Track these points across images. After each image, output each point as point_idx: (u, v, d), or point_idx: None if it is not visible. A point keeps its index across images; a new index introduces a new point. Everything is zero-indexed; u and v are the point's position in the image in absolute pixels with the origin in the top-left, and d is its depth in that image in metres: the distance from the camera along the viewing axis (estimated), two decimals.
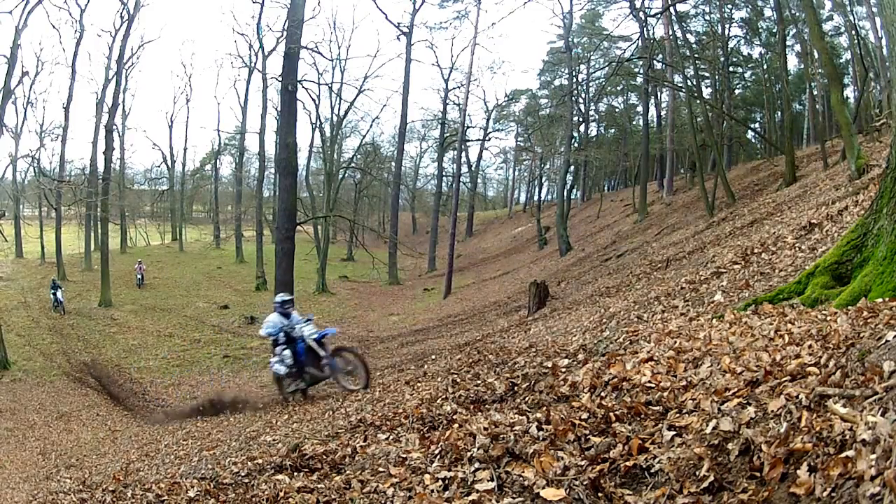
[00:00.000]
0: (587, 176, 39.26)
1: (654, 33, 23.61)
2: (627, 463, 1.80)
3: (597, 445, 1.97)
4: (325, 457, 3.05)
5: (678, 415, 2.06)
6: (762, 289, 4.95)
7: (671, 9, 19.88)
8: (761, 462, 1.53)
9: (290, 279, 11.88)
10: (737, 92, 29.74)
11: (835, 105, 11.09)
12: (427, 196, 42.83)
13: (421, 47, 65.89)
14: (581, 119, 30.63)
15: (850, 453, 1.35)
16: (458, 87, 32.03)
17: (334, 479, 2.45)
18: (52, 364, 15.92)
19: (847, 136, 10.41)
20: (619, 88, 34.57)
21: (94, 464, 8.41)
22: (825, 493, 1.32)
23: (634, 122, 35.84)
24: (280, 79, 13.66)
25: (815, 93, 23.82)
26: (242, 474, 3.13)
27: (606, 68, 28.37)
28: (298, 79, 14.14)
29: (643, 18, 20.78)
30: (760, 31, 27.25)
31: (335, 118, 31.44)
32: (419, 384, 5.80)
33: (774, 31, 22.17)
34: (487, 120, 36.15)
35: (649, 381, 2.51)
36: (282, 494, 2.41)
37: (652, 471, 1.74)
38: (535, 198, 38.77)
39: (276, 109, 25.76)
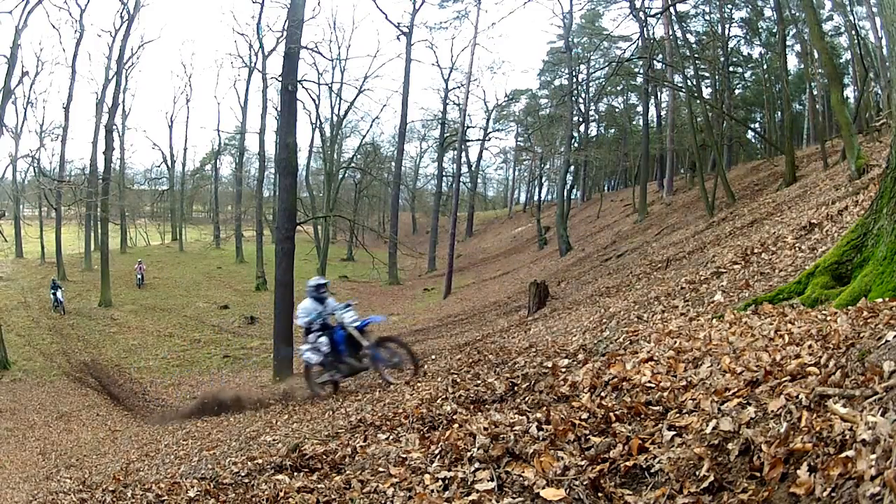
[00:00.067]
0: (587, 176, 39.27)
1: (654, 33, 23.65)
2: (627, 463, 1.80)
3: (597, 445, 1.97)
4: (325, 457, 3.05)
5: (678, 415, 2.06)
6: (762, 289, 4.95)
7: (671, 9, 19.88)
8: (761, 462, 1.53)
9: (290, 279, 11.88)
10: (737, 92, 29.75)
11: (835, 105, 11.09)
12: (427, 196, 42.84)
13: (421, 47, 65.89)
14: (581, 119, 30.64)
15: (850, 453, 1.35)
16: (458, 87, 32.07)
17: (334, 479, 2.45)
18: (52, 364, 15.93)
19: (847, 136, 10.41)
20: (619, 88, 34.56)
21: (94, 464, 8.41)
22: (825, 493, 1.32)
23: (634, 122, 35.86)
24: (280, 79, 13.66)
25: (815, 93, 23.83)
26: (242, 474, 3.13)
27: (606, 68, 28.40)
28: (298, 79, 14.16)
29: (643, 18, 20.79)
30: (760, 31, 27.26)
31: (335, 118, 31.49)
32: (419, 384, 5.80)
33: (774, 31, 22.17)
34: (487, 120, 36.18)
35: (649, 381, 2.51)
36: (282, 494, 2.41)
37: (652, 471, 1.74)
38: (535, 198, 38.81)
39: (276, 109, 25.78)
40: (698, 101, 20.22)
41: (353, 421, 4.42)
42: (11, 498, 6.75)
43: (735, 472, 1.59)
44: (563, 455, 1.96)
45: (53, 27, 39.37)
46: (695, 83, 22.37)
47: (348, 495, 2.19)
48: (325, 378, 7.58)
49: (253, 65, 29.54)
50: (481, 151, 38.55)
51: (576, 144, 29.80)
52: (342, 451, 3.06)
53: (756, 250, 7.12)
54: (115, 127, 26.96)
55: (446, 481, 2.03)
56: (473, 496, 1.86)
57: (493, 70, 53.11)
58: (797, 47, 23.57)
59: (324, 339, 7.31)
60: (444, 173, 32.71)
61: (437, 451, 2.33)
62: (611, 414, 2.22)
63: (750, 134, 28.69)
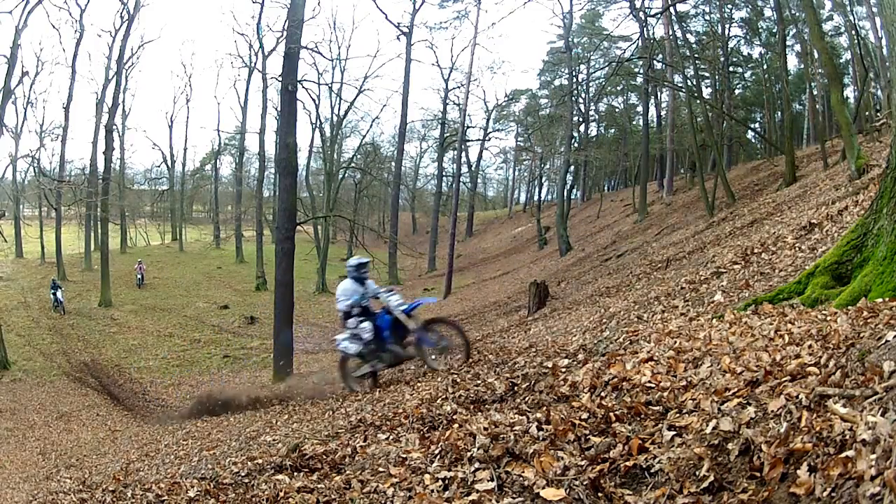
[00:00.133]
0: (587, 176, 39.27)
1: (654, 33, 23.65)
2: (627, 463, 1.80)
3: (597, 445, 1.97)
4: (325, 457, 3.05)
5: (678, 415, 2.06)
6: (762, 289, 4.95)
7: (671, 9, 19.88)
8: (761, 462, 1.53)
9: (290, 279, 11.88)
10: (737, 92, 29.75)
11: (835, 105, 11.09)
12: (427, 196, 42.84)
13: (421, 47, 65.84)
14: (581, 119, 30.64)
15: (850, 453, 1.35)
16: (458, 87, 32.07)
17: (334, 479, 2.45)
18: (52, 364, 15.94)
19: (847, 136, 10.41)
20: (619, 88, 34.57)
21: (94, 464, 8.41)
22: (825, 493, 1.32)
23: (634, 122, 35.86)
24: (280, 79, 13.66)
25: (815, 93, 23.83)
26: (242, 474, 3.13)
27: (606, 68, 28.40)
28: (298, 79, 14.15)
29: (643, 18, 20.79)
30: (760, 31, 27.26)
31: (335, 118, 31.47)
32: (419, 384, 5.80)
33: (774, 31, 22.18)
34: (487, 120, 36.18)
35: (649, 381, 2.51)
36: (282, 494, 2.41)
37: (652, 471, 1.74)
38: (535, 198, 38.83)
39: (276, 109, 25.79)
40: (698, 101, 20.23)
41: (353, 421, 4.42)
42: (11, 498, 6.75)
43: (735, 472, 1.59)
44: (563, 455, 1.96)
45: (53, 27, 39.40)
46: (695, 83, 22.38)
47: (348, 495, 2.19)
48: (363, 370, 7.01)
49: (253, 65, 29.60)
50: (481, 151, 38.60)
51: (576, 144, 29.81)
52: (342, 451, 3.06)
53: (756, 250, 7.12)
54: (115, 127, 26.99)
55: (446, 481, 2.03)
56: (473, 496, 1.86)
57: (493, 70, 53.18)
58: (797, 47, 23.57)
59: (366, 325, 6.69)
60: (444, 173, 32.73)
61: (437, 451, 2.33)
62: (611, 414, 2.22)
63: (750, 134, 28.71)
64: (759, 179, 19.97)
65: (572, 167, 31.35)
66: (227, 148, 38.37)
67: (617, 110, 37.83)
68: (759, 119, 31.63)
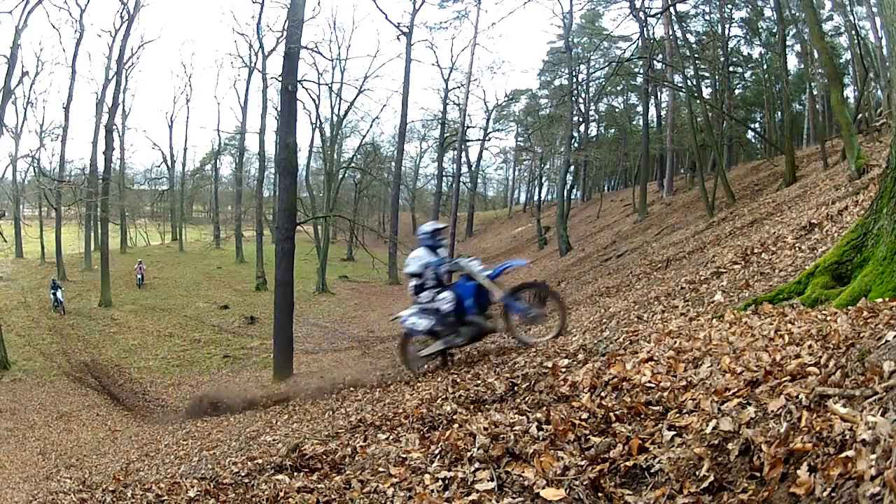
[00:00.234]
0: (587, 176, 39.29)
1: (654, 33, 23.66)
2: (627, 463, 1.80)
3: (597, 445, 1.97)
4: (325, 457, 3.05)
5: (678, 415, 2.06)
6: (762, 289, 4.95)
7: (671, 9, 19.88)
8: (761, 462, 1.53)
9: (290, 279, 11.89)
10: (737, 92, 29.77)
11: (835, 105, 11.09)
12: (427, 196, 42.87)
13: (421, 47, 65.53)
14: (581, 119, 30.65)
15: (850, 453, 1.35)
16: (458, 87, 32.13)
17: (334, 479, 2.45)
18: (52, 364, 15.94)
19: (847, 136, 10.41)
20: (619, 88, 34.59)
21: (94, 464, 8.42)
22: (825, 493, 1.32)
23: (634, 122, 35.88)
24: (280, 79, 13.67)
25: (815, 93, 23.84)
26: (242, 474, 3.13)
27: (606, 68, 28.40)
28: (298, 79, 14.15)
29: (643, 18, 20.80)
30: (760, 31, 27.27)
31: (335, 118, 31.48)
32: (419, 384, 5.79)
33: (774, 31, 22.17)
34: (487, 120, 36.23)
35: (649, 381, 2.51)
36: (282, 494, 2.41)
37: (652, 471, 1.74)
38: (535, 198, 38.83)
39: (276, 109, 25.79)
40: (698, 101, 20.23)
41: (353, 421, 4.42)
42: (11, 498, 6.75)
43: (735, 472, 1.59)
44: (563, 455, 1.96)
45: (53, 27, 39.41)
46: (695, 83, 22.38)
47: (348, 495, 2.19)
48: (433, 349, 6.28)
49: (253, 65, 29.59)
50: (481, 151, 38.66)
51: (576, 144, 29.81)
52: (342, 451, 3.06)
53: (756, 250, 7.12)
54: (115, 127, 26.99)
55: (446, 481, 2.03)
56: (473, 496, 1.86)
57: (493, 70, 53.19)
58: (797, 47, 23.58)
59: (447, 294, 5.95)
60: (444, 173, 32.76)
61: (437, 451, 2.33)
62: (611, 414, 2.22)
63: (750, 134, 28.72)
64: (759, 179, 19.97)
65: (572, 167, 31.35)
66: (227, 148, 38.43)
67: (617, 110, 37.86)
68: (759, 119, 31.65)
